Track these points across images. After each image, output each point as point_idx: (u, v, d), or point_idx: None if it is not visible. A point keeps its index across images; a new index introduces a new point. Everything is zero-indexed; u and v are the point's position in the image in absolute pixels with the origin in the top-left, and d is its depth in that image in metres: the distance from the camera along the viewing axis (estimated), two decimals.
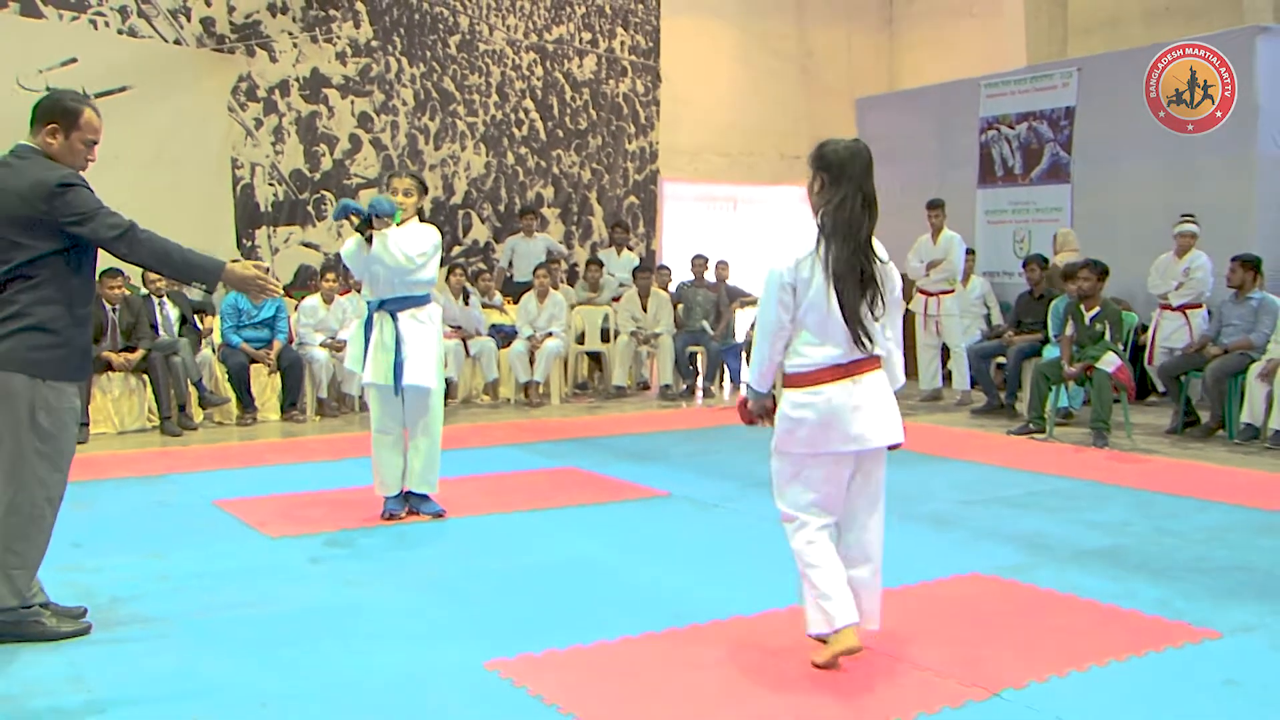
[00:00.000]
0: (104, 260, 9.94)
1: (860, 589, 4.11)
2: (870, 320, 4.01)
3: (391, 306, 6.15)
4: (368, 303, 6.26)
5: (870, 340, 4.00)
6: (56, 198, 4.15)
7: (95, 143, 4.41)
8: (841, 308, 3.96)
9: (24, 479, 4.21)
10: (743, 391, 4.16)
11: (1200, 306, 10.06)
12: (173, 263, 4.36)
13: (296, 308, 10.82)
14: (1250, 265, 9.42)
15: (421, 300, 6.24)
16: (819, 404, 3.99)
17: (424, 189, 6.35)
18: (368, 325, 6.20)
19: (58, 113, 4.32)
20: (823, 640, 4.03)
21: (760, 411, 4.18)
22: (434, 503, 6.41)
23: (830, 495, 4.09)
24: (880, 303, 4.05)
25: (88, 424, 9.16)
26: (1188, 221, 10.12)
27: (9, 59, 11.03)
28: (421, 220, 6.30)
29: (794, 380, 4.05)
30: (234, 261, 4.35)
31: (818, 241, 4.01)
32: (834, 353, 3.99)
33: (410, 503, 6.40)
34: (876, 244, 4.09)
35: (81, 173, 4.37)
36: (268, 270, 4.39)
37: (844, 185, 4.01)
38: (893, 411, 4.09)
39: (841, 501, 4.12)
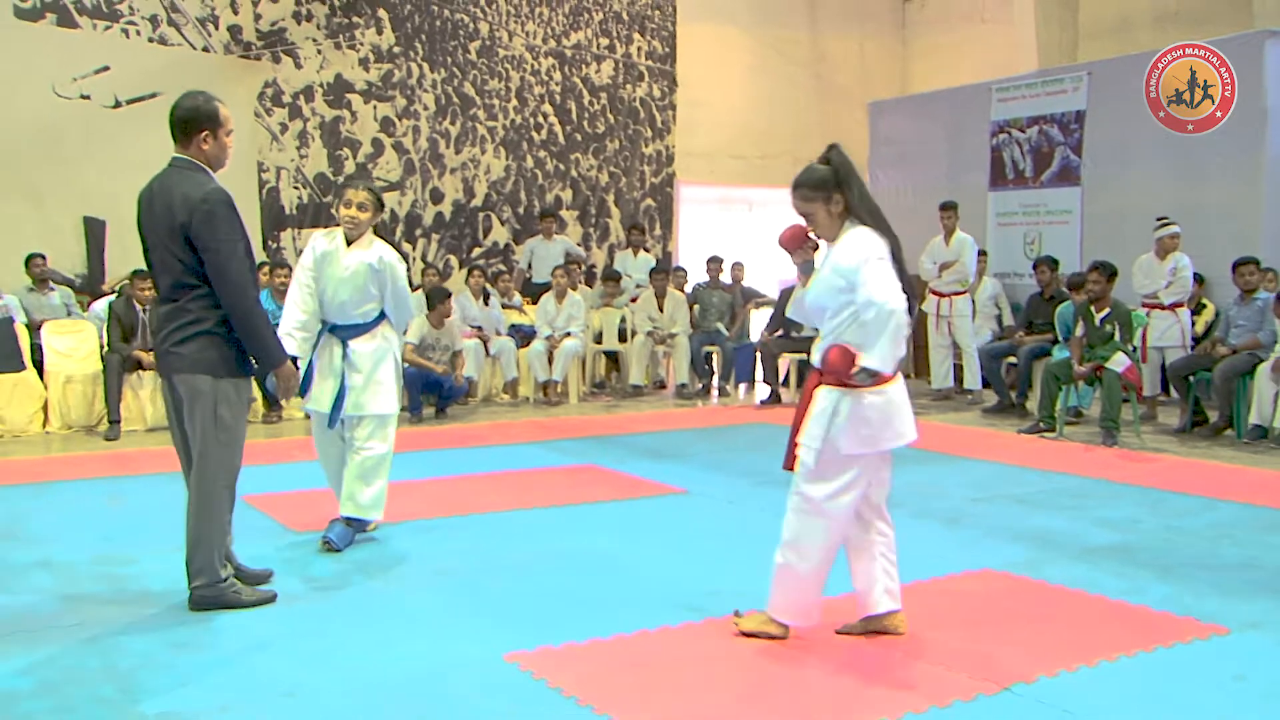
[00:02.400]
0: (135, 260, 9.96)
1: (891, 577, 4.32)
2: None
3: (342, 334, 5.72)
4: (321, 322, 5.74)
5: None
6: (200, 215, 4.38)
7: (232, 132, 4.66)
8: (910, 302, 4.03)
9: (211, 468, 4.53)
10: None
11: (1184, 305, 10.07)
12: (246, 326, 4.48)
13: None
14: (1260, 267, 9.44)
15: (373, 325, 5.76)
16: (881, 403, 4.07)
17: (380, 205, 5.75)
18: (316, 347, 5.71)
19: (203, 119, 4.54)
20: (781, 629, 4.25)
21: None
22: (340, 531, 5.66)
23: (865, 494, 4.19)
24: None
25: (119, 421, 9.24)
26: (1170, 224, 10.11)
27: (46, 68, 11.12)
28: (377, 234, 5.85)
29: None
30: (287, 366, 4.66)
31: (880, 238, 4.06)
32: None
33: (334, 522, 5.72)
34: None
35: (227, 164, 4.66)
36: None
37: (855, 184, 4.13)
38: None
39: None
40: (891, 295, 3.92)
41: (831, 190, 4.11)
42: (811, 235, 4.23)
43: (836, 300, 4.09)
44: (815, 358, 4.21)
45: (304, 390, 5.72)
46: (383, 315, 5.82)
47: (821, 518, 4.13)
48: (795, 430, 4.24)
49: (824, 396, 4.13)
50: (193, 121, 4.53)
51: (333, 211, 13.07)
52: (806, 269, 4.30)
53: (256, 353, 4.53)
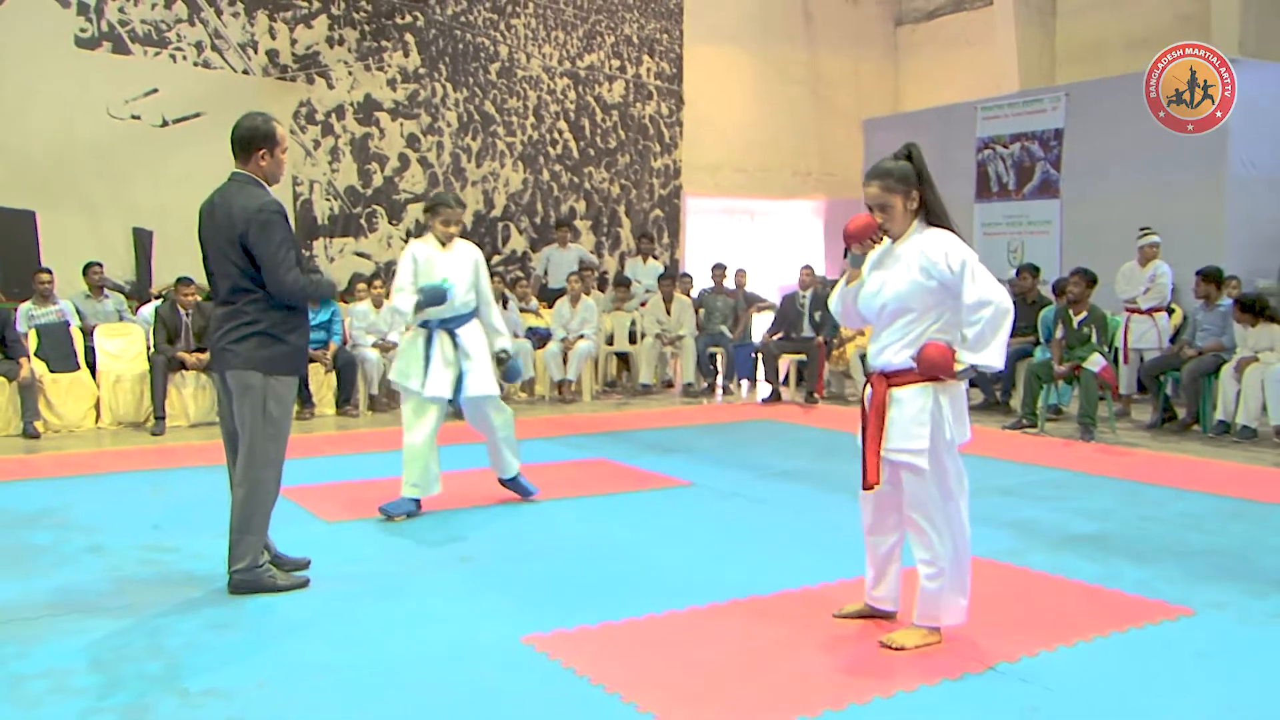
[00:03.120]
0: (180, 268, 10.00)
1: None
2: None
3: (450, 325, 6.14)
4: (425, 322, 6.12)
5: None
6: (256, 225, 4.47)
7: (287, 149, 4.77)
8: None
9: (258, 460, 4.59)
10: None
11: (1163, 310, 10.04)
12: (304, 296, 4.61)
13: (349, 313, 10.89)
14: (1211, 278, 9.42)
15: (473, 314, 6.27)
16: (964, 390, 3.97)
17: (463, 209, 6.43)
18: (428, 343, 6.11)
19: (261, 138, 4.65)
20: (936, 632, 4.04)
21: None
22: (524, 483, 6.49)
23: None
24: None
25: (164, 417, 9.28)
26: (1150, 234, 10.07)
27: (101, 91, 11.23)
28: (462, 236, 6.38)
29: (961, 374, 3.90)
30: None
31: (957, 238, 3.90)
32: None
33: (507, 487, 6.50)
34: None
35: (280, 180, 4.78)
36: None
37: (933, 185, 3.96)
38: None
39: None
40: (1004, 295, 3.78)
41: (913, 185, 3.91)
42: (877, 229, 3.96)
43: (924, 300, 3.85)
44: (895, 359, 3.90)
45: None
46: (476, 310, 6.32)
47: (953, 510, 3.94)
48: (872, 443, 3.92)
49: (916, 397, 3.85)
50: (252, 140, 4.63)
51: (361, 222, 13.09)
52: (857, 262, 4.06)
53: (319, 295, 4.72)
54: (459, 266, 6.16)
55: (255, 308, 4.54)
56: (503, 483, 6.50)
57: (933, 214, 3.94)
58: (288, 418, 4.72)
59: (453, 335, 6.13)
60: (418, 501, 6.16)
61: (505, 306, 11.56)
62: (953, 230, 3.92)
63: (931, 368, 3.81)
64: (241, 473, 4.63)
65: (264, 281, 4.52)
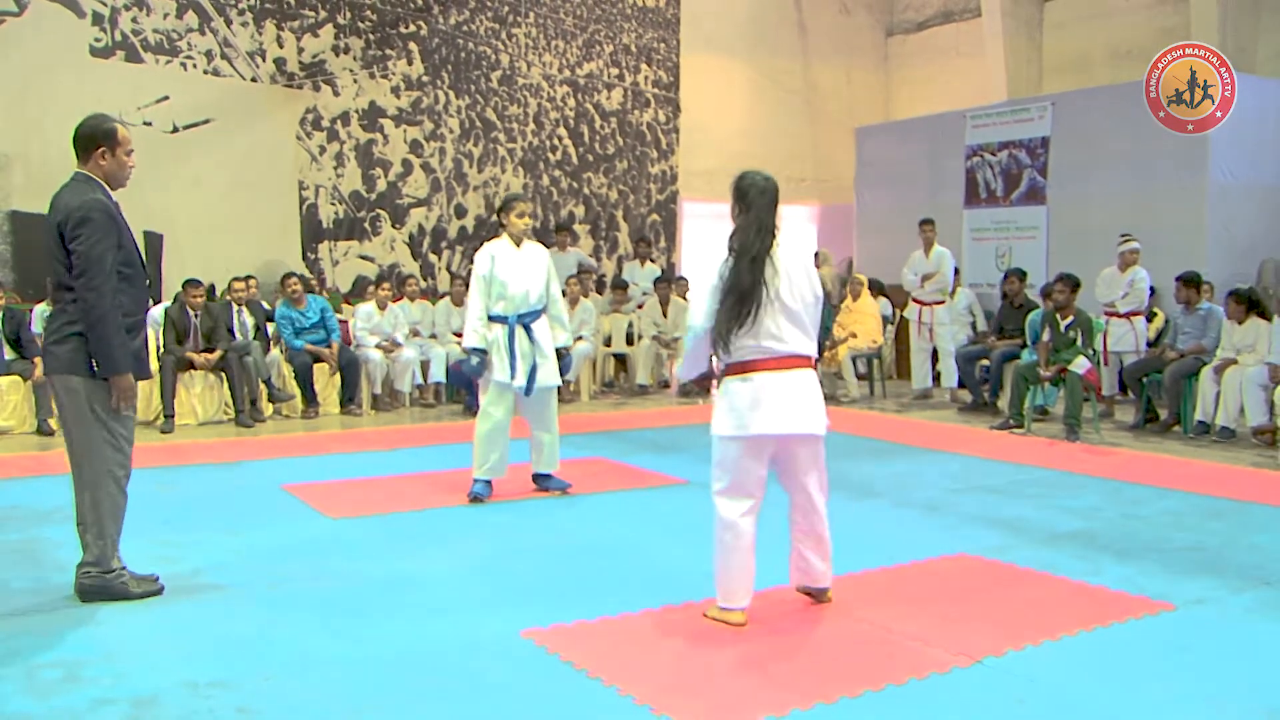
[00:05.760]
0: (186, 270, 9.97)
1: (817, 560, 4.34)
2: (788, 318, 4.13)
3: (527, 320, 6.36)
4: (505, 318, 6.32)
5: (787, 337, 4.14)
6: (74, 221, 4.25)
7: (132, 151, 4.50)
8: (759, 309, 4.07)
9: (95, 463, 4.35)
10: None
11: (1141, 314, 10.04)
12: (95, 331, 4.26)
13: (354, 314, 10.88)
14: (1191, 283, 9.41)
15: (543, 310, 6.48)
16: (747, 390, 4.10)
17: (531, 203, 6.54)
18: (511, 338, 6.31)
19: (101, 136, 4.40)
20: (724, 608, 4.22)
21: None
22: (558, 479, 6.63)
23: (753, 478, 4.18)
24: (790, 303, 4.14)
25: (173, 416, 9.27)
26: (1130, 240, 10.06)
27: (115, 98, 11.21)
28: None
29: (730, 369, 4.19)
30: (126, 378, 4.33)
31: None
32: (766, 345, 4.11)
33: (538, 482, 6.65)
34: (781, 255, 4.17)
35: (126, 183, 4.49)
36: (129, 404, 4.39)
37: (753, 212, 4.15)
38: (817, 404, 4.20)
39: (761, 484, 4.20)
40: (693, 315, 4.19)
41: (735, 203, 4.23)
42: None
43: None
44: None
45: (475, 372, 6.45)
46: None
47: (715, 501, 4.22)
48: None
49: None
50: (93, 139, 4.40)
51: (365, 226, 13.09)
52: None
53: (99, 358, 4.26)
54: (533, 266, 6.37)
55: (76, 307, 4.29)
56: (541, 476, 6.65)
57: (733, 242, 4.17)
58: (126, 421, 4.43)
59: (528, 330, 6.35)
60: (489, 483, 6.41)
61: None
62: (735, 255, 4.11)
63: None
64: (85, 479, 4.37)
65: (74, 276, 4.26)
